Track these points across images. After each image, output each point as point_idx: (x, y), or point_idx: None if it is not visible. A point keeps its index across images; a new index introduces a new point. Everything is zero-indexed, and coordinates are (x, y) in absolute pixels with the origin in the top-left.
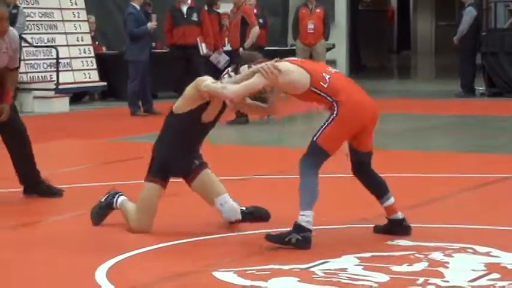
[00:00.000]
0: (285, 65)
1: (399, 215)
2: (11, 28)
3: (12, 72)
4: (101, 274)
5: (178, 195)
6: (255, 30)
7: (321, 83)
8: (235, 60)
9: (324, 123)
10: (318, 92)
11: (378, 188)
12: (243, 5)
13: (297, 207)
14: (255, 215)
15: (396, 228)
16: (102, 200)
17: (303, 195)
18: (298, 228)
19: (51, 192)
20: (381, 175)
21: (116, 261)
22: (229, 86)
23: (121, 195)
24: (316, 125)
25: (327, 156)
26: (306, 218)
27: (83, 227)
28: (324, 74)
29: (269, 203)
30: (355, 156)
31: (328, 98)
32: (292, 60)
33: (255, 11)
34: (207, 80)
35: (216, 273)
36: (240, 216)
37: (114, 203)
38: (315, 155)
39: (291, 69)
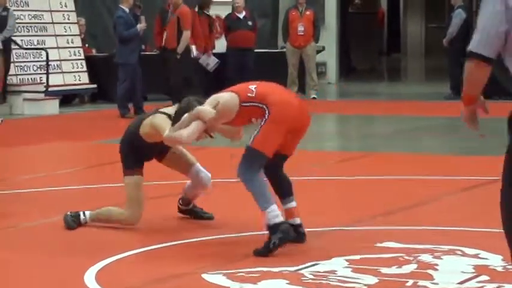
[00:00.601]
0: (213, 97)
1: (297, 220)
2: None
3: None
4: (90, 276)
5: (166, 197)
6: (186, 35)
7: (248, 94)
8: (172, 59)
9: (258, 128)
10: (248, 103)
11: (283, 189)
12: (181, 6)
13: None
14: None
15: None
16: (71, 214)
17: (258, 198)
18: (272, 227)
19: None
20: (370, 178)
21: (106, 264)
22: (183, 133)
23: (85, 212)
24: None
25: (264, 158)
26: (272, 213)
27: (70, 230)
28: (249, 86)
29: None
30: (276, 159)
31: (259, 105)
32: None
33: (244, 13)
34: (163, 126)
35: (205, 276)
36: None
37: (81, 217)
38: (252, 160)
39: (220, 95)
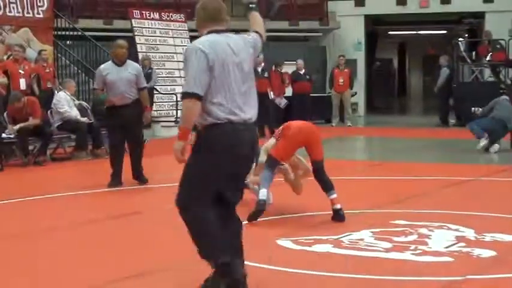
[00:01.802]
0: (265, 144)
1: (337, 206)
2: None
3: (142, 92)
4: None
5: None
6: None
7: (278, 133)
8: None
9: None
10: (277, 138)
11: (325, 186)
12: None
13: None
14: None
15: (334, 215)
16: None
17: (262, 182)
18: (260, 201)
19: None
20: (386, 178)
21: None
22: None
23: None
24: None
25: (277, 162)
26: (262, 194)
27: None
28: (279, 128)
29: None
30: (313, 165)
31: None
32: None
33: (304, 70)
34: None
35: (278, 241)
36: None
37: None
38: (268, 163)
39: (269, 142)
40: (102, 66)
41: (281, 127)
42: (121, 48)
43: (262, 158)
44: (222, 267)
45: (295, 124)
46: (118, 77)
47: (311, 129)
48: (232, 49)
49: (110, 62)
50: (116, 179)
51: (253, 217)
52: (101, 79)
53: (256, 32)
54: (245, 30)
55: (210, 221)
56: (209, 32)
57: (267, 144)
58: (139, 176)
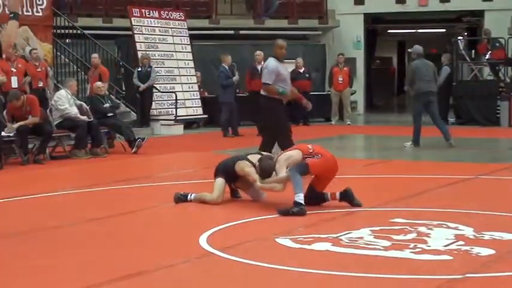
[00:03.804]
0: (286, 155)
1: (327, 194)
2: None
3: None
4: (203, 240)
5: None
6: (105, 85)
7: (309, 150)
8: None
9: (315, 158)
10: (308, 155)
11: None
12: (100, 66)
13: None
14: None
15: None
16: (181, 194)
17: (295, 186)
18: (295, 204)
19: None
20: (385, 176)
21: (212, 232)
22: (277, 186)
23: (192, 194)
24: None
25: (308, 170)
26: (299, 196)
27: (187, 210)
28: (308, 146)
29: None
30: (310, 192)
31: (316, 156)
32: (292, 148)
33: (303, 68)
34: (252, 174)
35: (277, 239)
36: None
37: (188, 197)
38: (302, 169)
39: (291, 154)
40: (273, 63)
41: (311, 147)
42: (281, 48)
43: (282, 169)
44: None
45: (324, 151)
46: (286, 72)
47: (336, 161)
48: None
49: (272, 59)
50: None
51: (287, 214)
52: (275, 75)
53: None
54: (244, 28)
55: None
56: None
57: (292, 155)
58: None
